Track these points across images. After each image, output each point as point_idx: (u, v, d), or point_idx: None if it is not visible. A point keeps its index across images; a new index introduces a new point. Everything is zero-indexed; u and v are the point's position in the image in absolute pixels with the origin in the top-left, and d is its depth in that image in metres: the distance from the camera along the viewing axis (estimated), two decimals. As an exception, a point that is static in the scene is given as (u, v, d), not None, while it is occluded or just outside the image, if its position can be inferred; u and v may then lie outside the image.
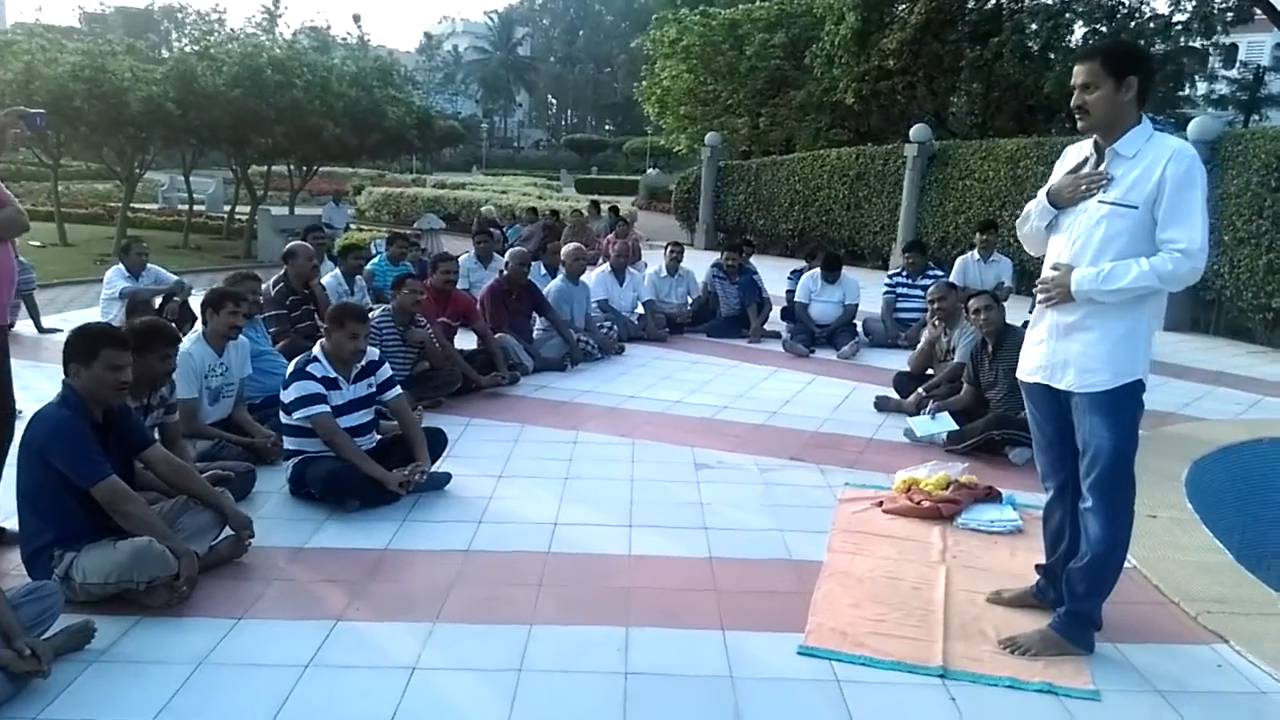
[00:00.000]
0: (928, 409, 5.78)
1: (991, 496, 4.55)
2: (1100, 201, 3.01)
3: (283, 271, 6.86)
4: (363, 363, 4.56)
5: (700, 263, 10.44)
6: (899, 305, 8.82)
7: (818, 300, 8.72)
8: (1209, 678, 3.12)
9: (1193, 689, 3.04)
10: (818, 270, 8.77)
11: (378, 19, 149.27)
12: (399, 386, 4.72)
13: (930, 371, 6.44)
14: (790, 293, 9.15)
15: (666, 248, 9.53)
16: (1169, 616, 3.56)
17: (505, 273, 7.28)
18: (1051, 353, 3.16)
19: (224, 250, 17.59)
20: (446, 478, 4.61)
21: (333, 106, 16.61)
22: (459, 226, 20.35)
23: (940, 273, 8.68)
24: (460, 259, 9.20)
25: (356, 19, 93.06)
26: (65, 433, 3.27)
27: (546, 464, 5.05)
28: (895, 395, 6.39)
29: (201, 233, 19.71)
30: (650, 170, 40.03)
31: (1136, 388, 3.08)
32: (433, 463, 4.61)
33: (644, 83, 27.76)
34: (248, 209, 18.50)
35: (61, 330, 8.01)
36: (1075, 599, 3.23)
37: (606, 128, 79.11)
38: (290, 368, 4.44)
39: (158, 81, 15.22)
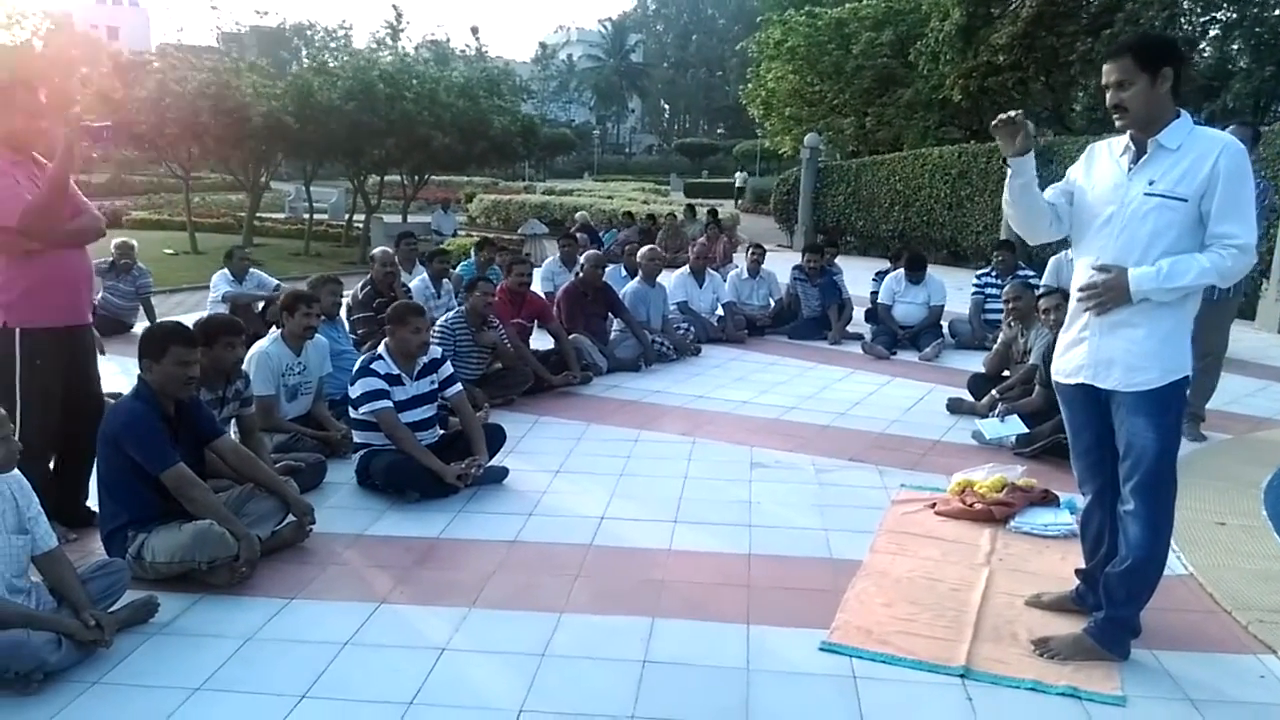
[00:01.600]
0: (997, 411, 5.66)
1: (1048, 500, 4.44)
2: (1147, 194, 2.93)
3: (369, 276, 7.19)
4: (426, 360, 4.77)
5: (790, 265, 10.40)
6: (987, 306, 8.62)
7: (901, 301, 8.61)
8: (1248, 688, 3.01)
9: (1227, 698, 2.94)
10: (901, 271, 8.65)
11: (495, 31, 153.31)
12: (460, 384, 4.92)
13: (1006, 374, 6.29)
14: (874, 294, 9.04)
15: (748, 250, 9.55)
16: (1218, 625, 3.43)
17: (581, 274, 7.44)
18: (1095, 350, 3.07)
19: (341, 257, 18.38)
20: (504, 472, 4.78)
21: (441, 117, 17.15)
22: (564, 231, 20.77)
23: (1030, 272, 8.45)
24: (545, 262, 9.47)
25: (474, 31, 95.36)
26: (137, 423, 3.56)
27: (604, 461, 5.17)
28: (969, 397, 6.28)
29: (322, 240, 20.63)
30: (738, 174, 39.96)
31: (1183, 384, 3.00)
32: (491, 458, 4.79)
33: (749, 85, 27.74)
34: (364, 217, 19.31)
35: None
36: (1114, 604, 3.15)
37: (719, 131, 79.11)
38: (356, 365, 4.69)
39: (277, 97, 16.03)
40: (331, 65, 17.16)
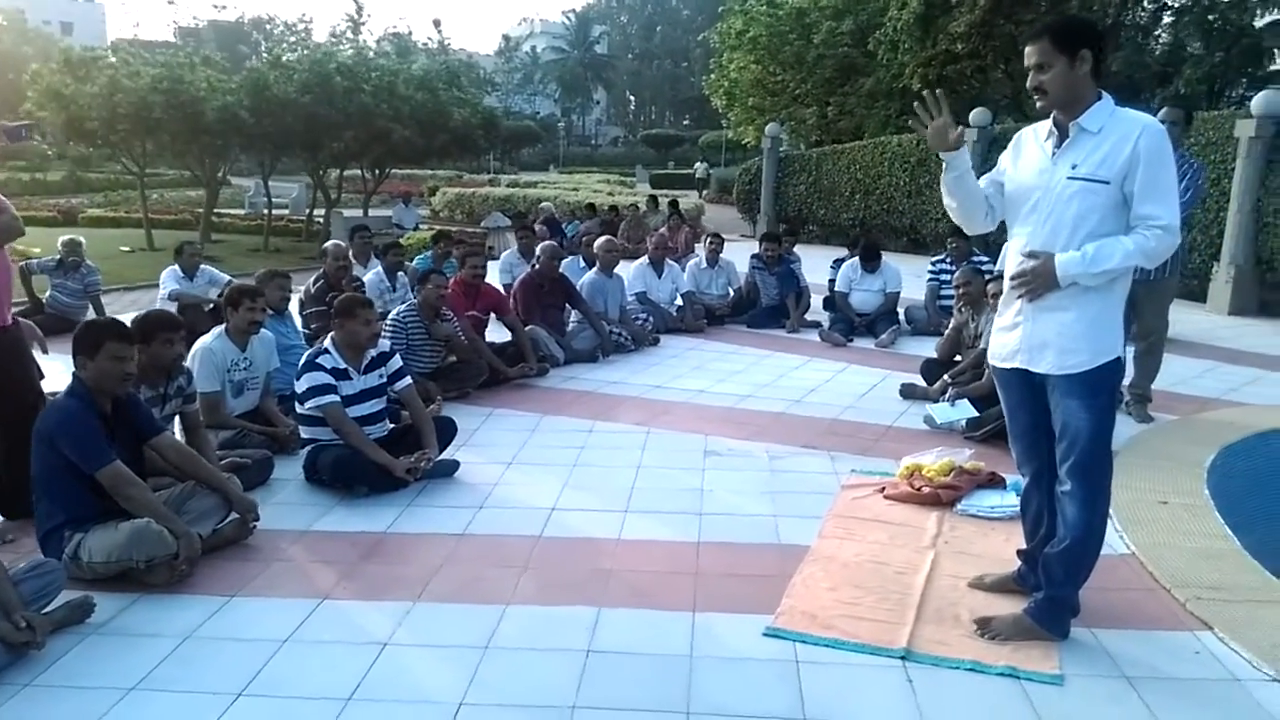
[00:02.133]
0: (948, 396, 5.70)
1: (995, 483, 4.49)
2: (1070, 178, 2.96)
3: (322, 270, 7.11)
4: (374, 353, 4.72)
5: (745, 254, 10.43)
6: (943, 292, 8.67)
7: (858, 289, 8.66)
8: (1183, 664, 3.05)
9: (1163, 675, 2.97)
10: (857, 259, 8.69)
11: (457, 24, 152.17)
12: (409, 377, 4.88)
13: (958, 358, 6.34)
14: (831, 282, 9.08)
15: (705, 239, 9.55)
16: (1157, 603, 3.47)
17: (538, 266, 7.41)
18: (1028, 335, 3.10)
19: (301, 252, 18.17)
20: (455, 465, 4.75)
21: (400, 109, 17.04)
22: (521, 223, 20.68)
23: (985, 259, 8.51)
24: (504, 254, 9.42)
25: (437, 24, 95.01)
26: (72, 421, 3.49)
27: (557, 452, 5.15)
28: (922, 383, 6.32)
29: (282, 235, 20.38)
30: (699, 164, 40.07)
31: (1115, 366, 3.03)
32: (441, 451, 4.76)
33: (712, 75, 27.73)
34: (324, 212, 19.11)
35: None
36: (1053, 584, 3.18)
37: (685, 122, 79.10)
38: (302, 360, 4.63)
39: (232, 91, 15.85)
40: (287, 59, 16.92)
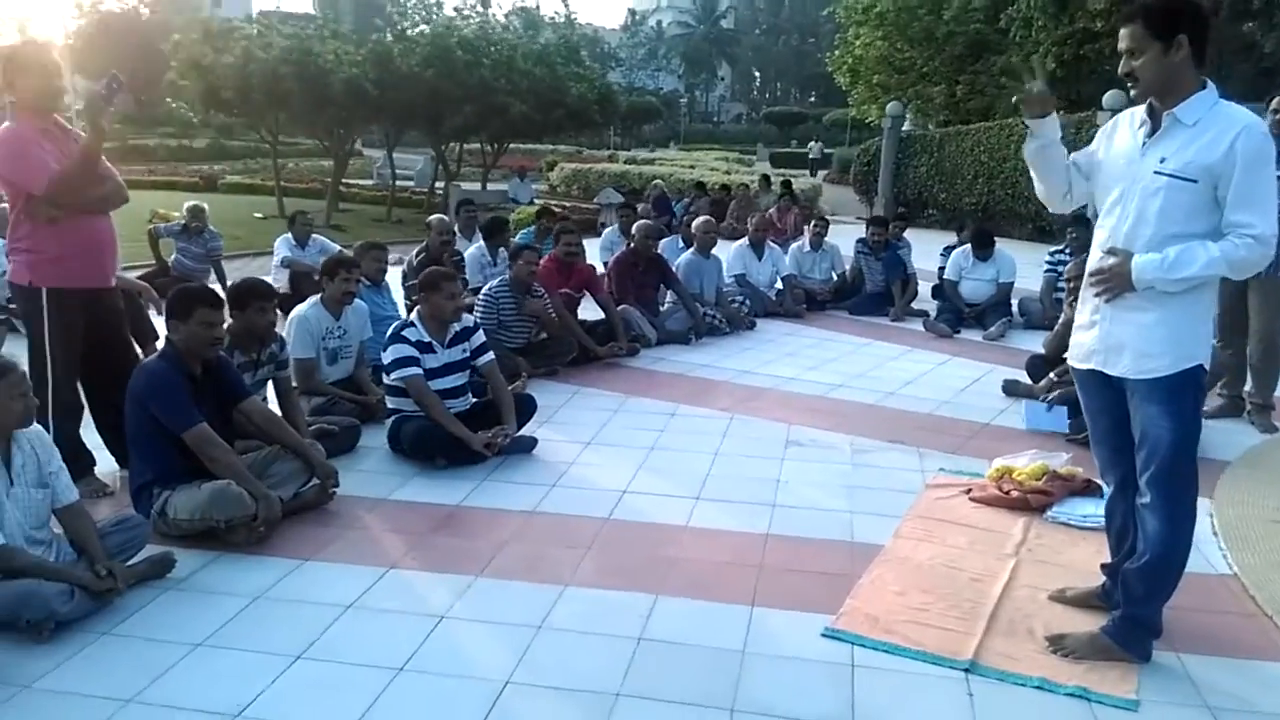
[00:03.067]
0: (1046, 399, 5.43)
1: (1090, 490, 4.25)
2: (1157, 172, 2.75)
3: (425, 243, 7.25)
4: (458, 328, 4.79)
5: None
6: (1060, 285, 8.25)
7: (968, 278, 8.33)
8: (1273, 697, 2.83)
9: (1251, 708, 2.77)
10: (969, 246, 8.36)
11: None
12: (491, 352, 4.92)
13: (1066, 356, 6.01)
14: (941, 270, 8.77)
15: (811, 222, 9.35)
16: (1256, 631, 3.23)
17: (633, 245, 7.38)
18: (1105, 336, 2.93)
19: (421, 224, 18.64)
20: (533, 442, 4.79)
21: (517, 84, 17.22)
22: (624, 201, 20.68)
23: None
24: (605, 232, 9.43)
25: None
26: (161, 383, 3.65)
27: (637, 434, 5.13)
28: (1027, 379, 6.04)
29: (405, 206, 20.95)
30: (813, 144, 39.14)
31: (1198, 373, 2.82)
32: (520, 427, 4.80)
33: (836, 52, 27.10)
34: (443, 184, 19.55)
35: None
36: (1132, 602, 3.00)
37: (810, 100, 77.70)
38: (389, 332, 4.73)
39: (358, 64, 16.29)
40: (410, 33, 17.29)
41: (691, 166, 27.00)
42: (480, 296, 6.07)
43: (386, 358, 4.65)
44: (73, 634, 2.98)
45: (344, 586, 3.37)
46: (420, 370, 4.57)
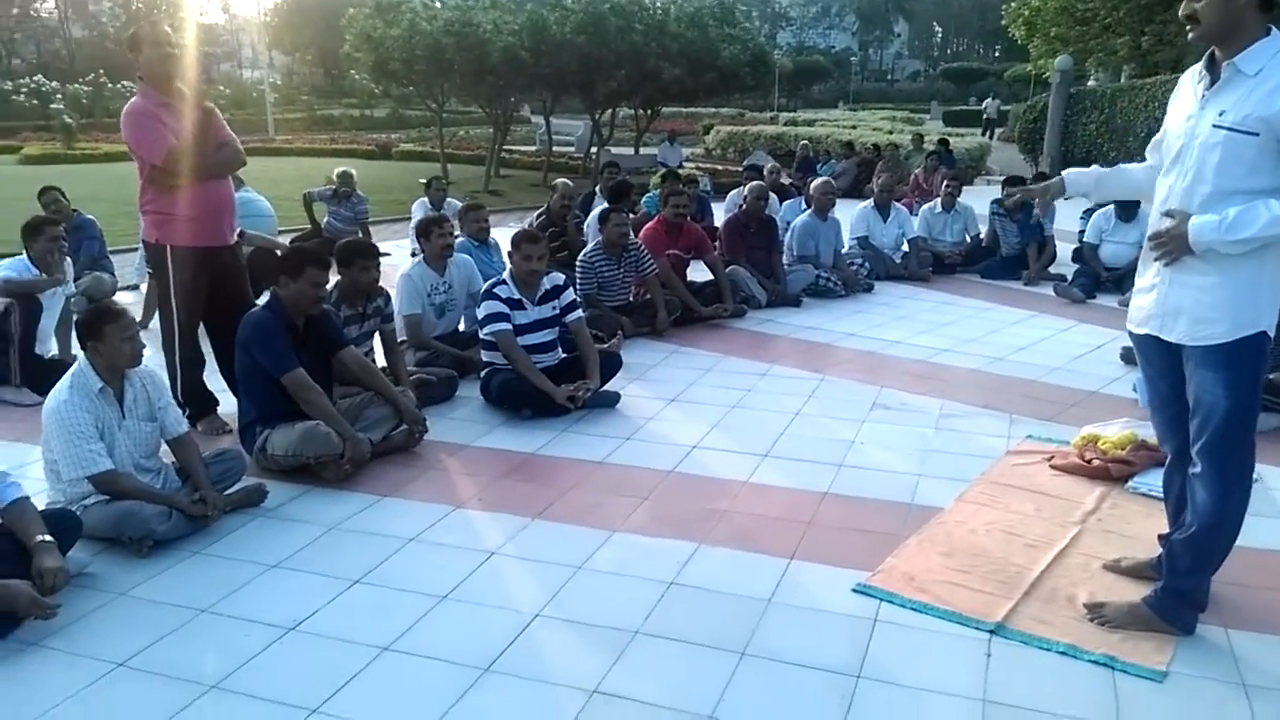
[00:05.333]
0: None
1: (1179, 462, 4.03)
2: (1215, 125, 2.60)
3: (545, 205, 7.50)
4: (548, 286, 4.99)
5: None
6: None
7: (1109, 240, 7.86)
8: (1319, 681, 2.67)
9: (1286, 688, 2.62)
10: (1111, 207, 7.88)
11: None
12: (580, 310, 5.11)
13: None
14: (1081, 233, 8.32)
15: (942, 181, 9.04)
16: (1325, 612, 3.03)
17: (744, 206, 7.39)
18: (1162, 300, 2.80)
19: (577, 188, 19.09)
20: (615, 397, 4.95)
21: (669, 48, 17.25)
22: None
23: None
24: (730, 194, 9.44)
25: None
26: (264, 331, 4.02)
27: (723, 393, 5.20)
28: (1149, 347, 5.70)
29: (561, 171, 21.48)
30: (988, 101, 36.94)
31: (1259, 340, 2.67)
32: (604, 383, 4.97)
33: (1013, 4, 25.70)
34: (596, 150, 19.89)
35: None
36: (1175, 574, 2.90)
37: (994, 54, 73.89)
38: (482, 289, 4.98)
39: (515, 32, 16.73)
40: (570, 1, 17.59)
41: (853, 127, 26.32)
42: (578, 261, 6.26)
43: (479, 313, 4.91)
44: (169, 551, 3.37)
45: (411, 521, 3.64)
46: (509, 326, 4.81)
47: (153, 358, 4.48)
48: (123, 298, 7.47)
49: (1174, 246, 2.69)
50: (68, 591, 3.01)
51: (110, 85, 32.56)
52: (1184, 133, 2.69)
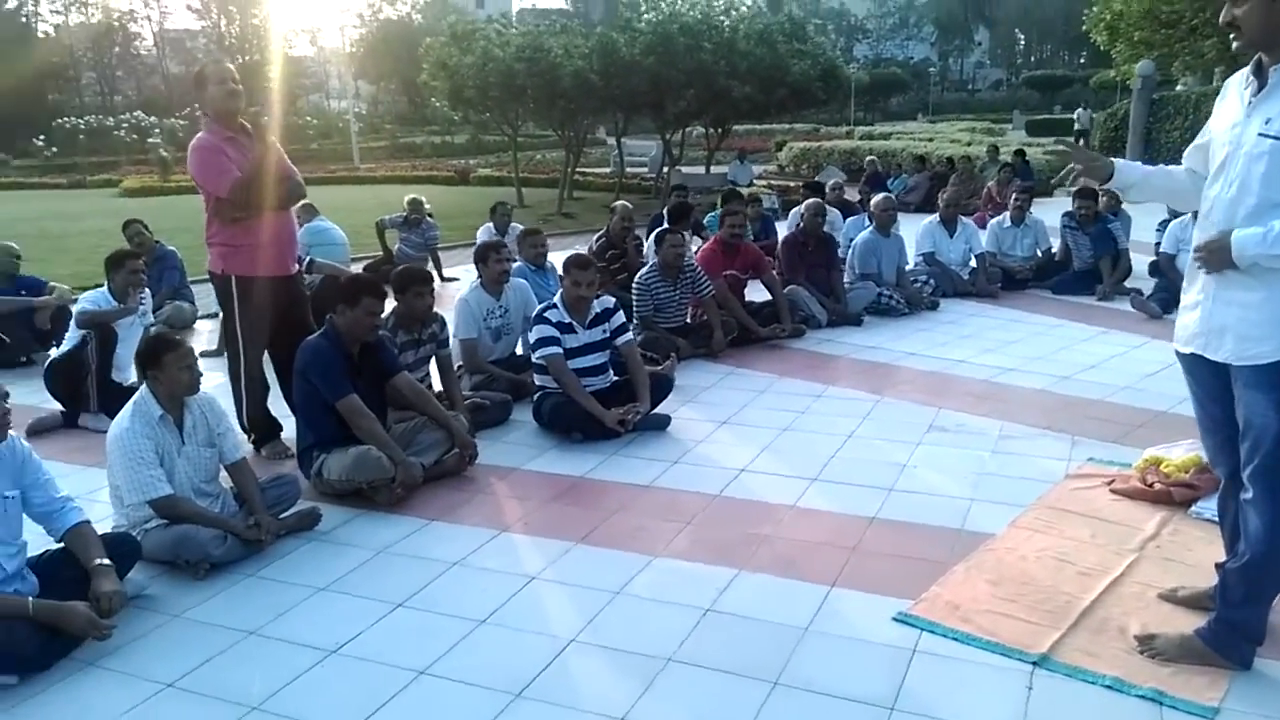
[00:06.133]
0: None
1: (1247, 486, 3.86)
2: (1261, 134, 2.51)
3: (606, 227, 7.58)
4: (598, 309, 5.04)
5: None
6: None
7: (1187, 250, 7.54)
8: (1385, 722, 2.52)
9: (1352, 731, 2.49)
10: (1188, 216, 7.59)
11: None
12: (630, 333, 5.14)
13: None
14: (1158, 245, 8.03)
15: (1013, 196, 8.83)
16: (1399, 648, 2.87)
17: (801, 224, 7.34)
18: (1207, 317, 2.71)
19: (646, 209, 19.20)
20: (666, 420, 4.96)
21: (738, 66, 17.27)
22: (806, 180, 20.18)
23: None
24: (793, 211, 9.37)
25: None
26: (320, 358, 4.14)
27: (776, 415, 5.17)
28: (1226, 364, 5.48)
29: (634, 193, 21.62)
30: (1079, 111, 35.76)
31: None
32: (654, 406, 4.98)
33: (1095, 8, 25.04)
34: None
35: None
36: (1229, 605, 2.79)
37: (1080, 60, 71.99)
38: (534, 313, 5.05)
39: (585, 56, 16.95)
40: (637, 22, 17.76)
41: (930, 139, 25.91)
42: (635, 282, 6.29)
43: (531, 337, 4.98)
44: (225, 574, 3.49)
45: (457, 545, 3.70)
46: (560, 350, 4.86)
47: (220, 384, 4.67)
48: (203, 326, 7.80)
49: (1216, 260, 2.60)
50: (126, 613, 3.15)
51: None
52: (1229, 141, 2.61)
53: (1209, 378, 2.79)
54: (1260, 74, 2.55)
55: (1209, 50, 21.09)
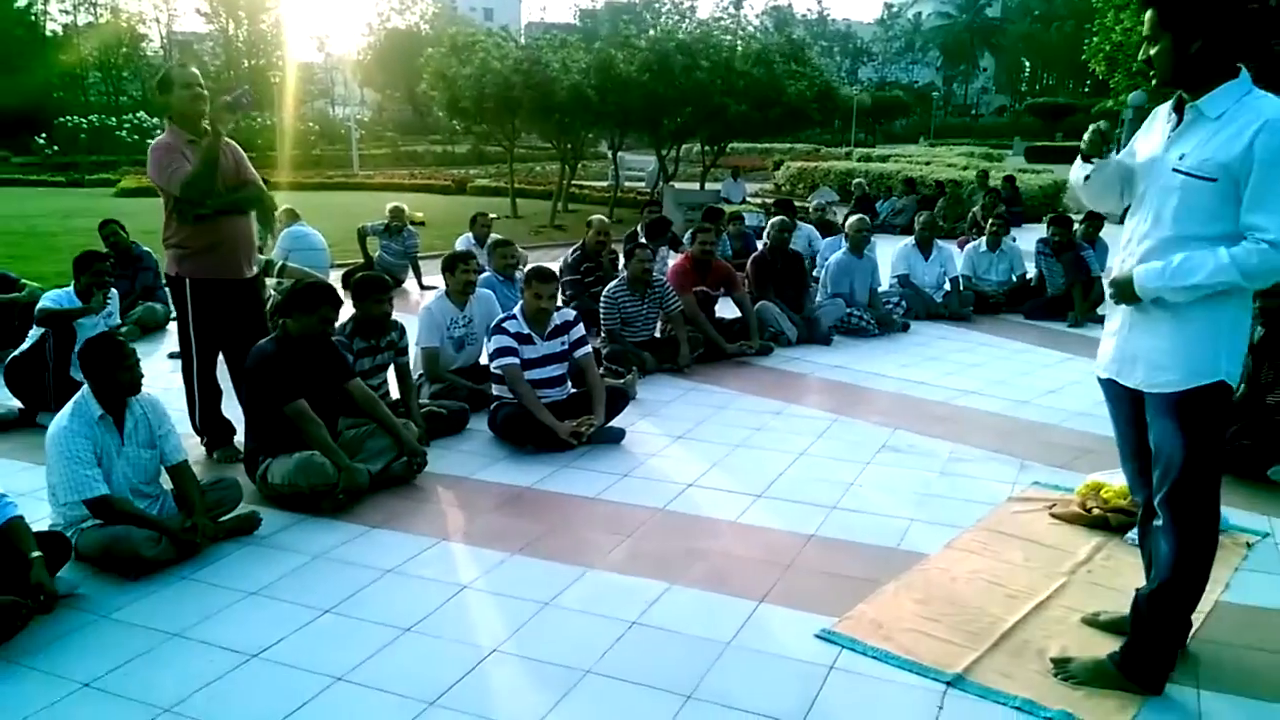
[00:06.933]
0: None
1: (1185, 513, 3.87)
2: (1174, 170, 2.55)
3: (581, 241, 7.61)
4: (558, 321, 5.06)
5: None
6: None
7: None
8: (1286, 750, 2.54)
9: (1252, 758, 2.50)
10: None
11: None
12: (590, 346, 5.16)
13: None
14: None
15: (988, 221, 8.88)
16: (1312, 677, 2.88)
17: (768, 242, 7.38)
18: (1122, 344, 2.76)
19: (640, 221, 19.26)
20: (620, 433, 4.98)
21: (734, 86, 17.36)
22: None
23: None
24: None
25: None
26: (269, 362, 4.15)
27: (732, 431, 5.18)
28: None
29: (628, 207, 21.69)
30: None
31: (1218, 390, 2.58)
32: (610, 420, 5.00)
33: (1095, 39, 25.16)
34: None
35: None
36: (1141, 630, 2.81)
37: (1084, 90, 72.34)
38: (492, 323, 5.08)
39: (583, 71, 17.03)
40: (632, 40, 17.87)
41: (927, 163, 25.96)
42: (602, 296, 6.32)
43: (489, 347, 5.00)
44: (158, 576, 3.49)
45: (395, 553, 3.71)
46: (517, 360, 4.88)
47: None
48: (175, 327, 7.81)
49: (1121, 294, 2.65)
50: (58, 611, 3.17)
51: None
52: (1148, 173, 2.64)
53: (1125, 404, 2.82)
54: (1179, 109, 2.59)
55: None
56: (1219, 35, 2.45)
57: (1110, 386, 2.85)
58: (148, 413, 3.73)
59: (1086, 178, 2.81)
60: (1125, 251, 2.72)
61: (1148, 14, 2.53)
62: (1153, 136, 2.72)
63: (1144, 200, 2.65)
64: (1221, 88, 2.48)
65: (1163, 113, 2.72)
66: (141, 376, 3.67)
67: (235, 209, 4.51)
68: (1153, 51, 2.54)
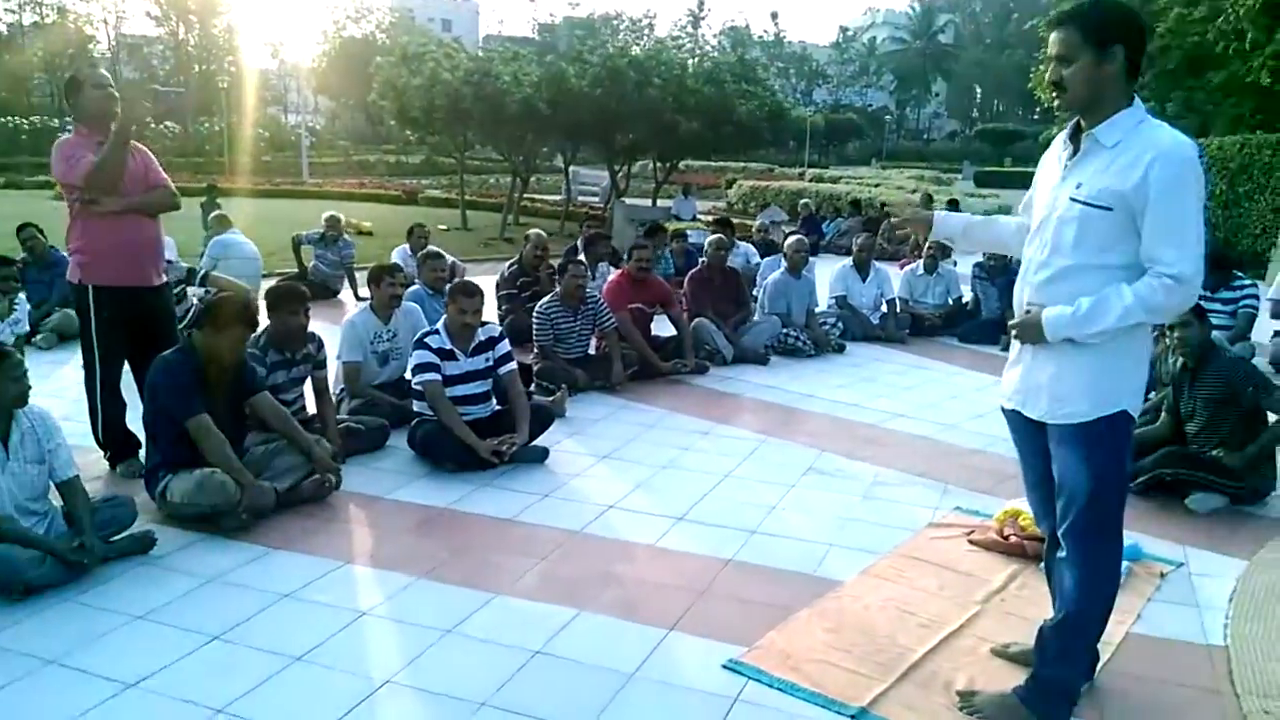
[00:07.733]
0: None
1: (1101, 542, 3.86)
2: (1072, 199, 2.52)
3: (518, 255, 7.51)
4: (483, 337, 4.95)
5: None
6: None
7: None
8: (1185, 788, 2.50)
9: (1151, 797, 2.46)
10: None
11: (796, 15, 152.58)
12: (514, 363, 5.05)
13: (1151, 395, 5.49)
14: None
15: (926, 245, 8.94)
16: (1212, 709, 2.87)
17: (705, 259, 7.35)
18: (1025, 375, 2.73)
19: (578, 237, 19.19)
20: (544, 452, 4.88)
21: (685, 103, 17.41)
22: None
23: (1249, 284, 7.25)
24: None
25: (774, 16, 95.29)
26: (171, 375, 3.99)
27: (659, 451, 5.11)
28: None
29: (578, 222, 21.61)
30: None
31: (1121, 420, 2.56)
32: (534, 438, 4.89)
33: (1041, 67, 25.68)
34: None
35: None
36: (1045, 663, 2.77)
37: (1034, 117, 73.90)
38: (415, 338, 4.95)
39: (534, 84, 16.97)
40: (584, 55, 17.85)
41: (877, 185, 26.34)
42: (535, 311, 6.22)
43: (410, 362, 4.88)
44: (41, 598, 3.31)
45: (294, 576, 3.57)
46: (439, 376, 4.76)
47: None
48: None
49: (1029, 337, 2.62)
50: (-77, 636, 2.98)
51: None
52: (1046, 204, 2.62)
53: (1029, 434, 2.79)
54: (1076, 138, 2.57)
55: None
56: (1133, 58, 2.43)
57: (1014, 417, 2.82)
58: (36, 426, 3.55)
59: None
60: (1023, 281, 2.70)
61: (1059, 34, 2.50)
62: (1047, 169, 2.70)
63: (1041, 228, 2.63)
64: (1119, 115, 2.46)
65: (1057, 142, 2.70)
66: (29, 388, 3.50)
67: (143, 210, 4.35)
68: (1065, 72, 2.50)
